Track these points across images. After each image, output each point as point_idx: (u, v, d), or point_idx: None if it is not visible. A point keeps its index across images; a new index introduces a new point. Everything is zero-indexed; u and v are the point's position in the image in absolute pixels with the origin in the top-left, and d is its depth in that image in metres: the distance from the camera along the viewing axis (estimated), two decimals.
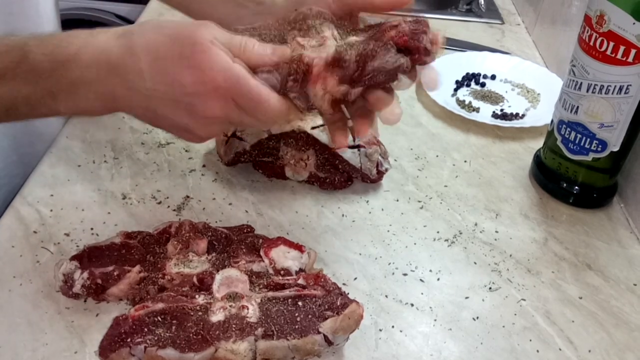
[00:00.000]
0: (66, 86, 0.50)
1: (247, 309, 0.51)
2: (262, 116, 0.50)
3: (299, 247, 0.58)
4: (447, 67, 0.97)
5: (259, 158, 0.73)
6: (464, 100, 0.92)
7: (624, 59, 0.62)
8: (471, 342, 0.56)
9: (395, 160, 0.78)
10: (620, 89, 0.64)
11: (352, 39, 0.53)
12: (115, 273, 0.55)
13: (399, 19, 0.53)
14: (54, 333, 0.53)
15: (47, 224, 0.64)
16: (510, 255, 0.66)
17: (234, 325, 0.49)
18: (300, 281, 0.53)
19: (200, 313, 0.50)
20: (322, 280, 0.53)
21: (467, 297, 0.60)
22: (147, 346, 0.48)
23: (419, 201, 0.72)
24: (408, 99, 0.92)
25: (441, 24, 1.16)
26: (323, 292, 0.52)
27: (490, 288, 0.62)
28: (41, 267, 0.59)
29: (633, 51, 0.62)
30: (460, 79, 0.97)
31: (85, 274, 0.54)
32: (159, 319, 0.50)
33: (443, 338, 0.56)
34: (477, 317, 0.58)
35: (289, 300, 0.51)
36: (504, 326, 0.58)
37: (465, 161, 0.80)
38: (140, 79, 0.49)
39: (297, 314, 0.50)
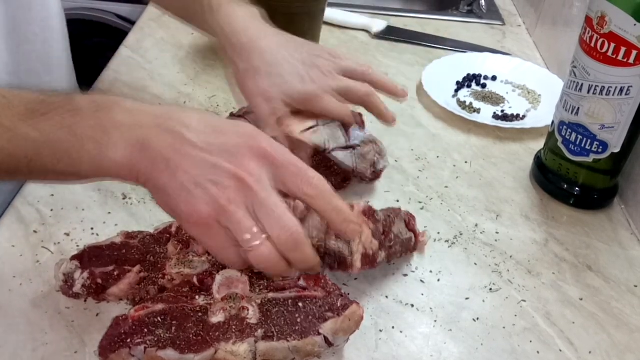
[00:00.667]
0: (100, 128, 0.46)
1: (247, 310, 0.50)
2: (307, 188, 0.47)
3: None
4: (448, 68, 0.97)
5: None
6: (464, 101, 0.92)
7: (625, 60, 0.62)
8: (471, 343, 0.56)
9: (396, 161, 0.78)
10: (621, 90, 0.64)
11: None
12: (115, 273, 0.55)
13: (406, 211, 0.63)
14: (54, 333, 0.53)
15: (48, 224, 0.64)
16: (511, 257, 0.66)
17: (234, 327, 0.49)
18: (301, 282, 0.53)
19: (200, 314, 0.50)
20: (323, 281, 0.53)
21: (467, 298, 0.60)
22: (147, 347, 0.48)
23: (420, 202, 0.72)
24: (409, 99, 0.92)
25: (442, 25, 1.16)
26: (323, 294, 0.52)
27: (490, 289, 0.62)
28: (41, 267, 0.59)
29: (634, 52, 0.61)
30: (461, 80, 0.97)
31: (86, 274, 0.54)
32: (159, 319, 0.49)
33: (443, 339, 0.56)
34: (478, 318, 0.58)
35: (289, 301, 0.51)
36: (504, 327, 0.58)
37: (465, 162, 0.80)
38: (181, 125, 0.46)
39: (297, 315, 0.50)
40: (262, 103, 0.65)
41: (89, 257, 0.56)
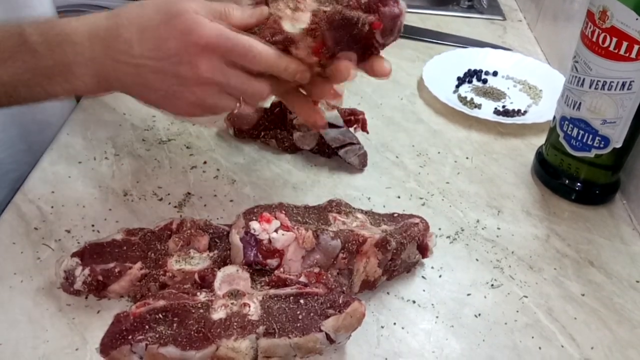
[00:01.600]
0: (62, 66, 0.52)
1: (249, 306, 0.50)
2: (256, 65, 0.52)
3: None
4: (448, 64, 0.97)
5: (268, 128, 0.77)
6: (465, 97, 0.92)
7: (627, 54, 0.62)
8: (473, 339, 0.56)
9: (397, 157, 0.78)
10: (623, 85, 0.64)
11: (384, 227, 0.60)
12: (116, 270, 0.55)
13: (417, 217, 0.62)
14: (55, 330, 0.53)
15: (48, 221, 0.64)
16: (512, 252, 0.65)
17: (235, 323, 0.49)
18: (302, 279, 0.53)
19: (201, 310, 0.50)
20: (324, 277, 0.53)
21: (469, 294, 0.60)
22: (148, 344, 0.48)
23: (421, 198, 0.72)
24: (409, 95, 0.92)
25: (443, 21, 1.16)
26: (325, 290, 0.52)
27: (492, 285, 0.61)
28: (42, 264, 0.59)
29: (636, 47, 0.61)
30: (462, 75, 0.97)
31: (87, 271, 0.54)
32: (160, 316, 0.49)
33: (445, 335, 0.56)
34: (479, 314, 0.58)
35: (291, 298, 0.51)
36: (506, 323, 0.58)
37: (467, 158, 0.80)
38: (128, 47, 0.51)
39: (298, 312, 0.50)
40: None
41: (89, 253, 0.56)
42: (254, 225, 0.54)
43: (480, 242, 0.66)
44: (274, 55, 0.53)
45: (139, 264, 0.55)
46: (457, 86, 0.95)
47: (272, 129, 0.77)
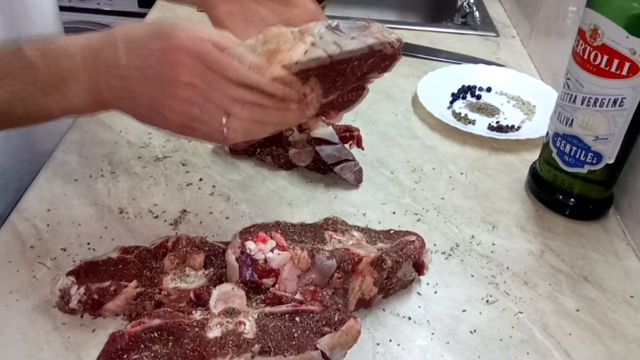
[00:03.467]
0: (58, 81, 0.52)
1: (244, 324, 0.50)
2: (234, 75, 0.51)
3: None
4: (443, 80, 0.98)
5: (264, 145, 0.77)
6: (459, 113, 0.92)
7: (618, 72, 0.63)
8: (469, 355, 0.56)
9: (392, 172, 0.79)
10: (615, 101, 0.64)
11: (380, 245, 0.60)
12: (111, 288, 0.55)
13: (413, 234, 0.63)
14: (51, 349, 0.53)
15: (44, 239, 0.64)
16: (507, 268, 0.66)
17: (230, 342, 0.49)
18: (298, 296, 0.53)
19: (197, 329, 0.50)
20: (320, 295, 0.53)
21: (464, 310, 0.60)
22: None
23: (416, 214, 0.72)
24: (404, 111, 0.92)
25: (437, 37, 1.17)
26: (320, 308, 0.52)
27: (487, 301, 0.62)
28: (38, 283, 0.59)
29: (627, 64, 0.62)
30: (456, 91, 0.97)
31: (82, 290, 0.54)
32: (156, 335, 0.49)
33: (441, 351, 0.56)
34: (475, 330, 0.58)
35: (286, 315, 0.51)
36: (501, 339, 0.58)
37: (461, 173, 0.80)
38: (116, 59, 0.52)
39: (294, 330, 0.50)
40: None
41: (85, 272, 0.56)
42: (250, 245, 0.54)
43: (475, 258, 0.67)
44: (257, 76, 0.52)
45: (134, 283, 0.55)
46: (451, 102, 0.96)
47: (267, 146, 0.77)
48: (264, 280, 0.54)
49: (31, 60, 0.52)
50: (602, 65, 0.64)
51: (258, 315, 0.51)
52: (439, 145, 0.85)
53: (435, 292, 0.62)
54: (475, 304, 0.61)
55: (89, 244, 0.64)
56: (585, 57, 0.65)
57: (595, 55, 0.64)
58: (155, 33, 0.52)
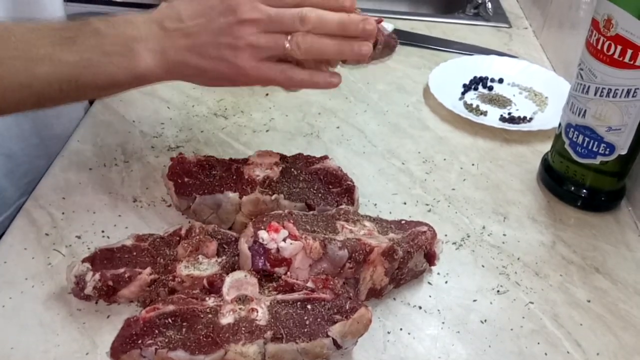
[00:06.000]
0: (124, 47, 0.55)
1: (257, 311, 0.51)
2: (302, 28, 0.55)
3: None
4: (454, 71, 0.97)
5: None
6: (471, 104, 0.92)
7: (632, 62, 0.63)
8: (479, 345, 0.56)
9: (403, 163, 0.79)
10: (628, 92, 0.64)
11: (392, 235, 0.60)
12: (126, 275, 0.55)
13: (424, 224, 0.63)
14: (66, 334, 0.54)
15: (59, 227, 0.64)
16: (518, 259, 0.66)
17: (243, 328, 0.50)
18: (310, 284, 0.53)
19: (210, 315, 0.50)
20: (331, 283, 0.53)
21: (475, 300, 0.61)
22: (157, 348, 0.48)
23: (427, 204, 0.72)
24: (415, 102, 0.92)
25: (449, 28, 1.17)
26: (332, 296, 0.52)
27: (498, 291, 0.62)
28: (53, 269, 0.60)
29: None
30: (467, 82, 0.97)
31: (97, 276, 0.55)
32: (170, 320, 0.50)
33: (451, 341, 0.56)
34: (485, 320, 0.59)
35: (298, 303, 0.52)
36: (512, 329, 0.58)
37: (472, 164, 0.80)
38: (178, 18, 0.56)
39: (306, 317, 0.51)
40: None
41: (100, 259, 0.56)
42: (263, 234, 0.55)
43: (486, 249, 0.67)
44: (320, 17, 0.56)
45: (148, 270, 0.56)
46: (463, 93, 0.95)
47: None
48: (276, 269, 0.54)
49: (97, 27, 0.55)
50: (616, 56, 0.63)
51: (270, 303, 0.52)
52: (450, 136, 0.85)
53: (446, 282, 0.62)
54: (486, 294, 0.61)
55: (103, 231, 0.64)
56: (599, 47, 0.65)
57: (609, 46, 0.64)
58: None
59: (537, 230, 0.70)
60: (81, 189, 0.70)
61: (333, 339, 0.50)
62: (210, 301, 0.52)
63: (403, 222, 0.63)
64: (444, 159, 0.81)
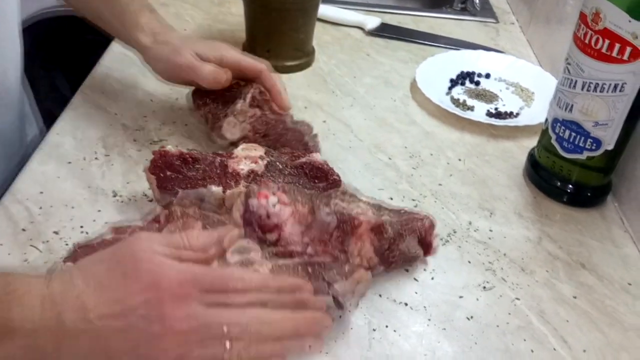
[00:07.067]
0: (3, 328, 0.42)
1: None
2: (244, 292, 0.47)
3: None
4: (441, 66, 0.97)
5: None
6: (458, 99, 0.92)
7: (620, 56, 0.62)
8: (465, 342, 0.56)
9: (390, 158, 0.78)
10: (616, 87, 0.64)
11: (386, 217, 0.59)
12: None
13: (423, 214, 0.62)
14: None
15: (36, 222, 0.63)
16: (504, 254, 0.65)
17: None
18: (309, 250, 0.54)
19: None
20: (330, 248, 0.55)
21: (461, 297, 0.60)
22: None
23: (413, 199, 0.72)
24: (402, 97, 0.92)
25: (436, 23, 1.16)
26: (331, 259, 0.54)
27: (484, 287, 0.61)
28: (30, 266, 0.58)
29: (628, 49, 0.61)
30: (454, 77, 0.96)
31: None
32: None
33: (437, 338, 0.56)
34: (472, 317, 0.58)
35: (299, 267, 0.53)
36: (498, 326, 0.57)
37: (459, 160, 0.79)
38: (83, 313, 0.42)
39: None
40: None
41: (81, 257, 0.55)
42: (253, 201, 0.55)
43: (473, 244, 0.66)
44: (260, 276, 0.50)
45: None
46: (450, 88, 0.95)
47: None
48: (267, 235, 0.55)
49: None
50: (604, 50, 0.63)
51: (272, 266, 0.53)
52: (437, 131, 0.85)
53: (432, 278, 0.62)
54: (472, 290, 0.61)
55: (82, 227, 0.63)
56: (587, 41, 0.64)
57: (597, 40, 0.63)
58: (127, 270, 0.44)
59: (523, 225, 0.70)
60: (60, 183, 0.68)
61: (334, 297, 0.51)
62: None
63: (402, 210, 0.63)
64: (431, 154, 0.80)
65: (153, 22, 0.75)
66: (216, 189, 0.61)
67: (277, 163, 0.65)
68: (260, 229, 0.55)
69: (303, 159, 0.66)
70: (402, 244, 0.59)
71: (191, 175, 0.63)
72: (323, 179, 0.66)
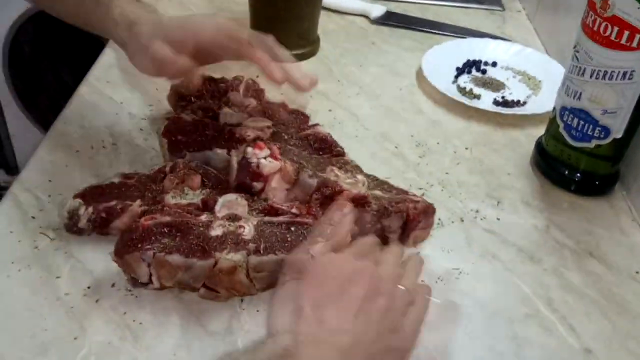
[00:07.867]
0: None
1: (244, 228, 0.55)
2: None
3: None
4: (448, 54, 0.96)
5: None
6: (464, 87, 0.91)
7: (628, 44, 0.62)
8: (473, 329, 0.56)
9: (396, 147, 0.78)
10: (624, 74, 0.63)
11: (378, 192, 0.62)
12: (118, 207, 0.58)
13: (419, 199, 0.63)
14: (53, 319, 0.53)
15: (46, 210, 0.63)
16: (512, 243, 0.65)
17: (229, 240, 0.54)
18: (294, 210, 0.58)
19: (201, 228, 0.54)
20: (315, 210, 0.58)
21: (468, 285, 0.60)
22: (155, 252, 0.52)
23: (420, 188, 0.72)
24: (408, 85, 0.91)
25: (442, 11, 1.15)
26: (314, 221, 0.56)
27: (492, 276, 0.61)
28: (40, 253, 0.58)
29: (637, 36, 0.61)
30: (461, 65, 0.96)
31: (90, 209, 0.58)
32: (165, 230, 0.54)
33: (445, 326, 0.56)
34: (480, 305, 0.58)
35: (283, 225, 0.56)
36: (506, 314, 0.58)
37: (466, 148, 0.79)
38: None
39: (288, 236, 0.55)
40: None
41: (90, 195, 0.60)
42: (249, 149, 0.61)
43: (480, 233, 0.66)
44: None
45: (138, 201, 0.59)
46: (456, 76, 0.94)
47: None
48: (254, 183, 0.60)
49: None
50: (612, 37, 0.62)
51: (257, 222, 0.56)
52: (443, 119, 0.85)
53: (439, 266, 0.62)
54: (480, 278, 0.61)
55: None
56: (595, 28, 0.64)
57: (605, 27, 0.63)
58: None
59: (530, 214, 0.70)
60: (68, 172, 0.68)
61: (313, 256, 0.51)
62: (203, 217, 0.56)
63: (404, 192, 0.64)
64: (438, 143, 0.80)
65: (127, 8, 0.63)
66: (221, 151, 0.64)
67: (283, 134, 0.68)
68: (249, 176, 0.60)
69: (308, 131, 0.70)
70: (385, 220, 0.60)
71: (200, 139, 0.66)
72: (327, 150, 0.69)
